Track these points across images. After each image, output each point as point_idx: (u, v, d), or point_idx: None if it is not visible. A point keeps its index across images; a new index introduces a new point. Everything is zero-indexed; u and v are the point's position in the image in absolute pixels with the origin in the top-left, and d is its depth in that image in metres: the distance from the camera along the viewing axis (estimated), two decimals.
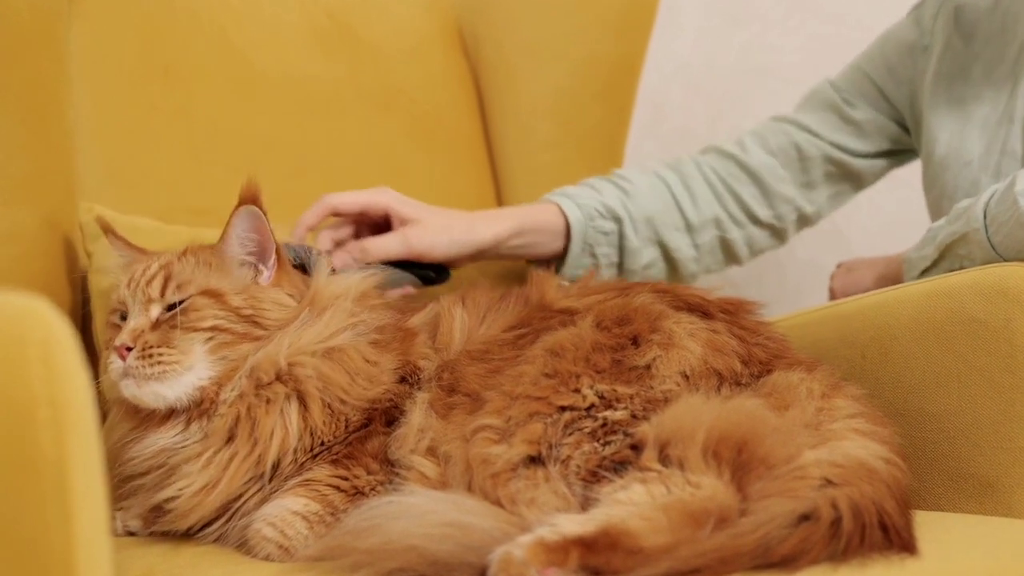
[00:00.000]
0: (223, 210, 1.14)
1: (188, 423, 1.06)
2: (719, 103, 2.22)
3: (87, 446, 0.66)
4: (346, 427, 1.07)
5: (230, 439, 1.04)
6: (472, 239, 1.35)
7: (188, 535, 1.07)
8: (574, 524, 0.86)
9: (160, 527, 1.07)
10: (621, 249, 1.48)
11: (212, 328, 1.06)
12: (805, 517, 0.87)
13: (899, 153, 1.57)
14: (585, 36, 1.68)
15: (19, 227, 1.22)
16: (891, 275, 1.54)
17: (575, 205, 1.45)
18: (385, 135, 1.63)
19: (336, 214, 1.33)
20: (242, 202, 1.10)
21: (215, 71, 1.52)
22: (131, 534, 1.13)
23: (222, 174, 1.45)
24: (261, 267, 1.13)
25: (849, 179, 1.57)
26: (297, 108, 1.57)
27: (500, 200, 1.73)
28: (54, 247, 1.28)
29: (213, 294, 1.08)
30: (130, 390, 1.05)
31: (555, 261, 1.47)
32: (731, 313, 1.13)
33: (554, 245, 1.45)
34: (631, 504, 0.89)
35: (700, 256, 1.53)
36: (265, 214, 1.10)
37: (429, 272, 1.36)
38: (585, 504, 0.93)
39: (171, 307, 1.07)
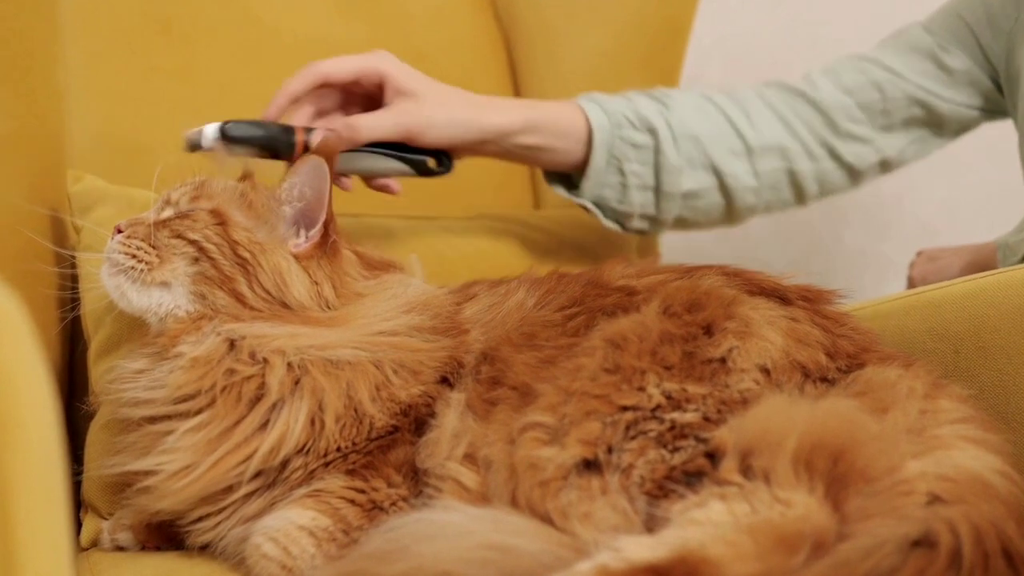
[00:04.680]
0: None
1: (156, 359, 0.97)
2: (762, 79, 2.08)
3: (40, 465, 0.51)
4: (368, 433, 0.94)
5: (199, 413, 0.93)
6: (475, 122, 1.18)
7: (181, 529, 0.97)
8: (642, 548, 0.74)
9: (139, 503, 0.98)
10: (657, 168, 1.30)
11: (197, 246, 0.98)
12: (918, 543, 0.74)
13: (989, 112, 1.41)
14: None
15: None
16: (981, 263, 1.39)
17: (601, 110, 1.27)
18: None
19: (326, 84, 1.17)
20: (316, 151, 1.01)
21: (222, 29, 1.43)
22: (120, 549, 1.03)
23: None
24: (301, 231, 1.02)
25: (933, 124, 1.40)
26: None
27: (533, 179, 1.62)
28: (38, 220, 1.17)
29: (219, 216, 1.00)
30: (102, 275, 1.00)
31: (575, 176, 1.31)
32: (811, 300, 1.00)
33: (574, 154, 1.27)
34: (710, 525, 0.76)
35: (761, 187, 1.35)
36: (330, 175, 0.99)
37: (426, 159, 1.19)
38: (650, 523, 0.81)
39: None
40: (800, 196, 1.39)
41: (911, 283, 1.54)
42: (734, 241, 2.02)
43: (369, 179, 1.22)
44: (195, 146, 1.10)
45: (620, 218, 1.33)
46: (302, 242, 1.01)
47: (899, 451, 0.82)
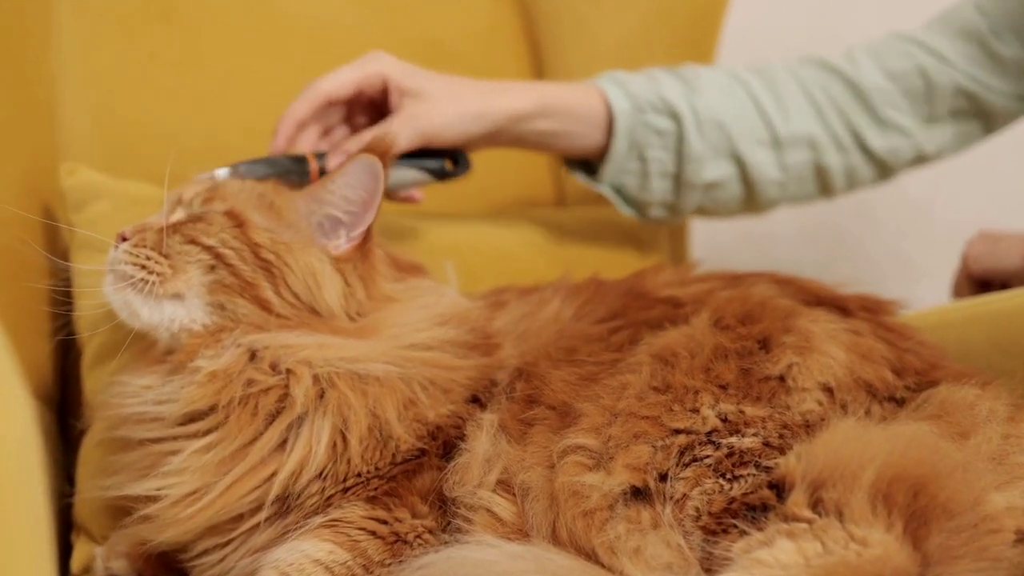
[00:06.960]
0: None
1: (168, 374, 0.91)
2: None
3: (15, 482, 0.44)
4: (393, 456, 0.87)
5: (210, 432, 0.86)
6: (488, 110, 1.12)
7: (184, 561, 0.90)
8: None
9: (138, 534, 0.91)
10: (679, 155, 1.24)
11: (213, 252, 0.91)
12: None
13: None
14: None
15: None
16: None
17: (623, 93, 1.21)
18: None
19: (330, 103, 1.12)
20: (368, 150, 0.94)
21: (226, 13, 1.36)
22: None
23: (232, 134, 1.29)
24: (342, 232, 0.94)
25: (980, 117, 1.33)
26: (322, 59, 1.32)
27: (557, 175, 1.54)
28: (29, 217, 1.10)
29: (236, 218, 0.93)
30: (107, 290, 0.93)
31: (595, 162, 1.25)
32: (872, 311, 0.94)
33: (592, 138, 1.21)
34: (778, 567, 0.70)
35: (786, 181, 1.28)
36: (384, 175, 0.93)
37: (443, 163, 1.15)
38: (707, 562, 0.74)
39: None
40: (826, 189, 1.33)
41: (965, 261, 1.45)
42: (759, 241, 1.95)
43: (390, 195, 1.16)
44: None
45: (639, 206, 1.27)
46: (343, 243, 0.94)
47: (982, 482, 0.75)
